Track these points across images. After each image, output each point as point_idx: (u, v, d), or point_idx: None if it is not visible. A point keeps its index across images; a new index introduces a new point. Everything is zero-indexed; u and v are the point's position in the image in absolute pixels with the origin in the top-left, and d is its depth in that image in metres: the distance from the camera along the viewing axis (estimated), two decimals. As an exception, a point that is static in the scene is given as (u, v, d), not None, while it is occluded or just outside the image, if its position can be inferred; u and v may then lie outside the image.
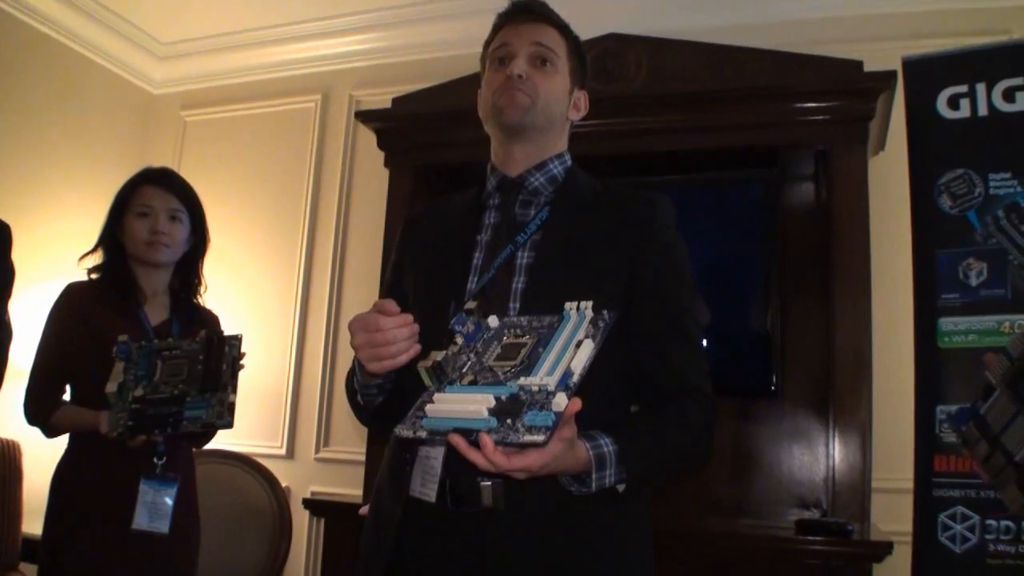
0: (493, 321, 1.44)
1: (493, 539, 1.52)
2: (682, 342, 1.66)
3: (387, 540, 1.61)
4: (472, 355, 1.39)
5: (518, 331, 1.40)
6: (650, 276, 1.66)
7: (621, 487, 1.48)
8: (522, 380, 1.26)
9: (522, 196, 1.76)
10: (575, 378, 1.24)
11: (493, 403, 1.24)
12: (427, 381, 1.36)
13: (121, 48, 4.81)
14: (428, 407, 1.29)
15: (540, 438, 1.18)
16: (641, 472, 1.49)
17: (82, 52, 4.60)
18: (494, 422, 1.22)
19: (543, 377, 1.24)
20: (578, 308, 1.36)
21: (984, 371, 1.41)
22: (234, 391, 2.46)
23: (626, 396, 1.70)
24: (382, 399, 1.68)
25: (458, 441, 1.23)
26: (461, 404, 1.27)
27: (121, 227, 2.67)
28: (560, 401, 1.20)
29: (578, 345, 1.29)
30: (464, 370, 1.36)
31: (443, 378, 1.36)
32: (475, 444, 1.23)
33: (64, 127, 4.46)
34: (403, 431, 1.30)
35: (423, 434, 1.28)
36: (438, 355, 1.37)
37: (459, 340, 1.41)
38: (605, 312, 1.35)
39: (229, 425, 2.44)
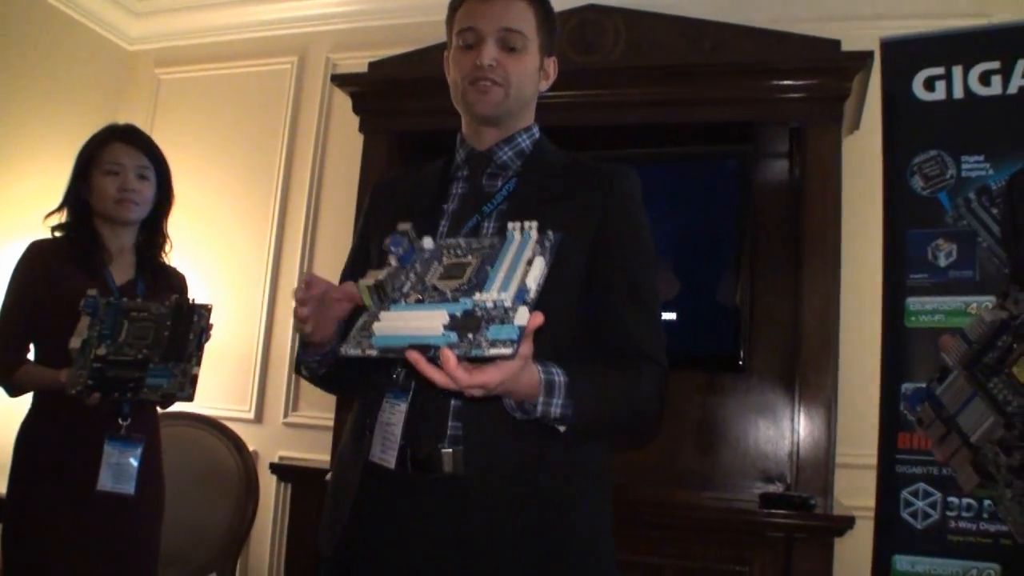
0: (428, 242, 1.41)
1: (452, 505, 1.53)
2: (640, 313, 1.67)
3: (345, 505, 1.62)
4: (412, 275, 1.36)
5: (458, 251, 1.37)
6: (613, 247, 1.66)
7: (563, 428, 1.49)
8: (476, 296, 1.22)
9: (490, 169, 1.76)
10: (532, 294, 1.22)
11: (448, 319, 1.21)
12: (367, 301, 1.32)
13: (96, 2, 4.73)
14: (376, 325, 1.26)
15: (507, 351, 1.17)
16: (586, 411, 1.48)
17: (55, 5, 4.52)
18: (454, 337, 1.19)
19: (498, 293, 1.22)
20: (522, 229, 1.34)
21: (940, 352, 1.42)
22: (198, 363, 2.44)
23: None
24: (324, 371, 1.69)
25: (416, 358, 1.20)
26: (413, 320, 1.24)
27: (87, 185, 2.64)
28: (523, 314, 1.19)
29: (529, 263, 1.28)
30: (406, 290, 1.33)
31: (384, 298, 1.32)
32: (433, 361, 1.22)
33: (35, 82, 4.39)
34: (349, 349, 1.26)
35: (373, 352, 1.24)
36: (379, 273, 1.34)
37: (393, 261, 1.38)
38: (550, 232, 1.34)
39: (189, 398, 2.43)
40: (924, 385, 1.45)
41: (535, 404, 1.43)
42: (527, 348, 1.27)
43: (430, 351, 1.20)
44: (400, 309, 1.28)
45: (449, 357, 1.18)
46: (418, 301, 1.30)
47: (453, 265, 1.35)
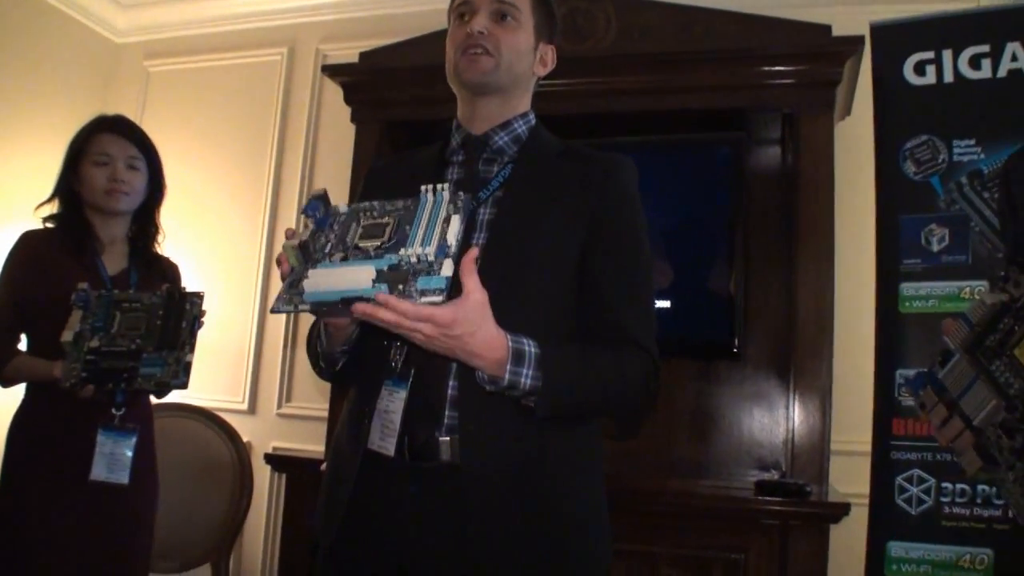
0: (342, 207, 1.45)
1: (449, 493, 1.53)
2: (631, 299, 1.67)
3: (344, 493, 1.62)
4: (332, 236, 1.40)
5: (374, 213, 1.40)
6: (606, 234, 1.66)
7: (534, 400, 1.49)
8: (401, 252, 1.28)
9: (486, 154, 1.76)
10: (452, 249, 1.27)
11: (375, 274, 1.27)
12: (292, 260, 1.38)
13: (84, -5, 4.72)
14: (305, 283, 1.31)
15: (438, 298, 1.24)
16: (557, 385, 1.49)
17: (44, -1, 4.52)
18: (384, 288, 1.25)
19: (421, 247, 1.27)
20: (434, 191, 1.37)
21: (942, 336, 1.42)
22: (192, 350, 2.44)
23: None
24: (344, 360, 1.69)
25: (364, 307, 1.26)
26: (342, 276, 1.30)
27: (77, 176, 2.63)
28: (448, 266, 1.25)
29: (446, 222, 1.31)
30: (328, 250, 1.37)
31: (309, 258, 1.37)
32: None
33: (24, 75, 4.37)
34: (281, 306, 1.33)
35: (305, 307, 1.31)
36: (303, 234, 1.39)
37: (310, 224, 1.42)
38: (461, 193, 1.37)
39: (184, 385, 2.42)
40: (919, 371, 1.46)
41: (503, 374, 1.43)
42: (480, 294, 1.33)
43: (365, 301, 1.26)
44: (326, 267, 1.33)
45: (390, 298, 1.24)
46: (343, 259, 1.34)
47: (372, 225, 1.38)
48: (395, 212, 1.38)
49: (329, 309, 1.31)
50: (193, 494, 3.45)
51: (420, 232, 1.31)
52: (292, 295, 1.32)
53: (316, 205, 1.43)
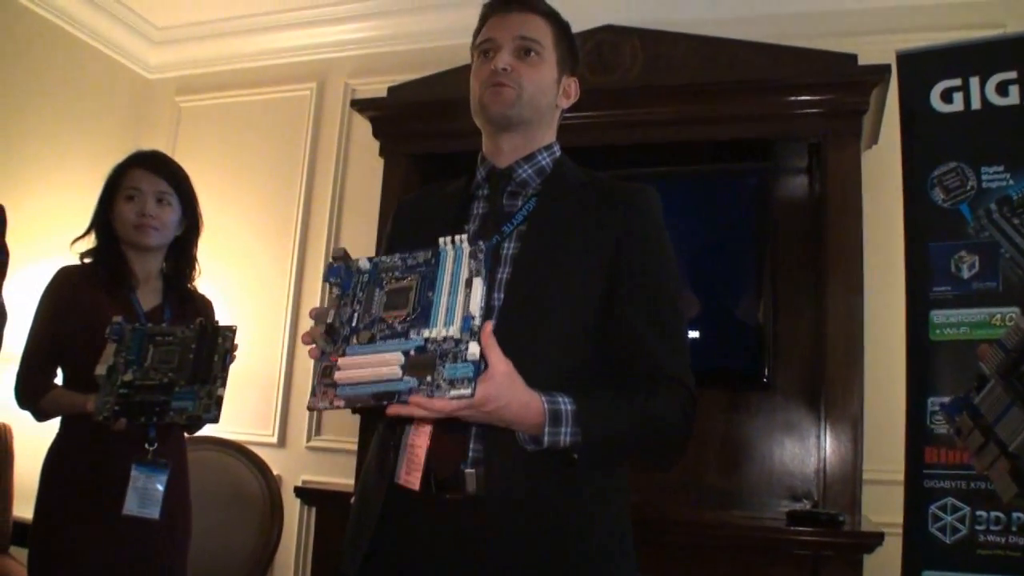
0: (364, 263, 1.44)
1: (474, 526, 1.53)
2: (661, 331, 1.66)
3: (369, 526, 1.62)
4: (356, 305, 1.39)
5: (396, 273, 1.40)
6: (632, 266, 1.66)
7: (576, 455, 1.49)
8: (425, 333, 1.28)
9: (510, 187, 1.76)
10: (477, 321, 1.27)
11: (402, 359, 1.27)
12: (321, 344, 1.37)
13: (117, 32, 4.79)
14: (337, 374, 1.30)
15: (467, 391, 1.23)
16: (596, 437, 1.49)
17: (78, 35, 4.59)
18: (414, 382, 1.25)
19: (445, 328, 1.27)
20: (453, 242, 1.37)
21: (978, 362, 1.41)
22: (223, 384, 2.43)
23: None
24: None
25: (398, 409, 1.27)
26: (371, 367, 1.29)
27: (111, 211, 2.66)
28: (474, 351, 1.24)
29: (468, 285, 1.31)
30: (355, 324, 1.37)
31: (336, 337, 1.37)
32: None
33: (59, 111, 4.45)
34: (318, 404, 1.32)
35: (340, 404, 1.30)
36: (326, 314, 1.39)
37: (335, 291, 1.42)
38: (481, 242, 1.37)
39: (215, 419, 2.42)
40: (955, 396, 1.44)
41: (543, 435, 1.45)
42: (503, 365, 1.33)
43: (395, 398, 1.26)
44: (355, 352, 1.33)
45: (421, 401, 1.25)
46: (370, 339, 1.34)
47: (395, 291, 1.38)
48: (416, 270, 1.38)
49: (363, 403, 1.32)
50: (224, 527, 3.45)
51: (443, 302, 1.31)
52: (327, 388, 1.32)
53: (337, 269, 1.44)
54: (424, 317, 1.31)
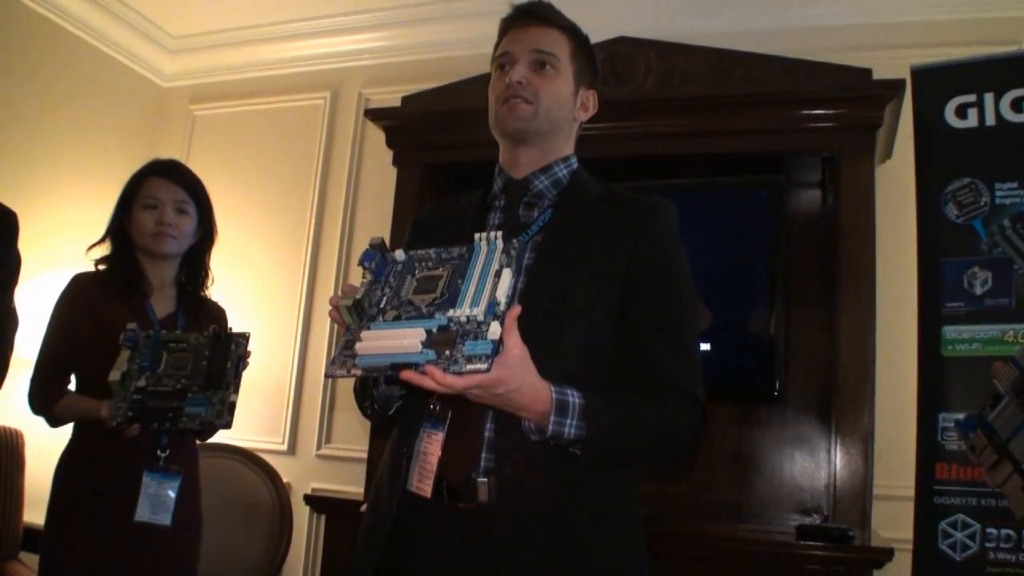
0: (399, 255, 1.47)
1: (486, 535, 1.53)
2: (673, 344, 1.66)
3: (381, 534, 1.62)
4: (387, 289, 1.42)
5: (429, 264, 1.43)
6: (647, 278, 1.67)
7: (579, 449, 1.50)
8: (450, 312, 1.30)
9: (526, 199, 1.77)
10: (502, 307, 1.29)
11: (425, 336, 1.28)
12: (348, 319, 1.39)
13: (131, 41, 4.82)
14: (358, 345, 1.32)
15: (483, 365, 1.24)
16: (600, 434, 1.50)
17: (93, 43, 4.61)
18: (432, 354, 1.26)
19: (470, 308, 1.29)
20: (488, 239, 1.39)
21: (992, 379, 1.41)
22: (236, 391, 2.45)
23: None
24: (399, 404, 1.71)
25: (410, 375, 1.27)
26: (393, 339, 1.31)
27: (129, 219, 2.68)
28: (495, 329, 1.25)
29: (497, 275, 1.33)
30: (382, 305, 1.39)
31: (363, 315, 1.39)
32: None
33: (74, 118, 4.47)
34: (336, 371, 1.34)
35: (358, 372, 1.32)
36: (356, 292, 1.41)
37: (368, 276, 1.44)
38: (514, 240, 1.39)
39: (228, 425, 2.43)
40: (970, 413, 1.44)
41: (547, 424, 1.46)
42: (519, 349, 1.34)
43: (413, 368, 1.27)
44: (379, 327, 1.35)
45: (433, 371, 1.25)
46: (395, 318, 1.36)
47: (426, 278, 1.40)
48: (450, 262, 1.41)
49: (380, 372, 1.34)
50: (233, 534, 3.46)
51: (471, 287, 1.33)
52: (346, 358, 1.34)
53: (372, 255, 1.45)
54: (451, 301, 1.33)
